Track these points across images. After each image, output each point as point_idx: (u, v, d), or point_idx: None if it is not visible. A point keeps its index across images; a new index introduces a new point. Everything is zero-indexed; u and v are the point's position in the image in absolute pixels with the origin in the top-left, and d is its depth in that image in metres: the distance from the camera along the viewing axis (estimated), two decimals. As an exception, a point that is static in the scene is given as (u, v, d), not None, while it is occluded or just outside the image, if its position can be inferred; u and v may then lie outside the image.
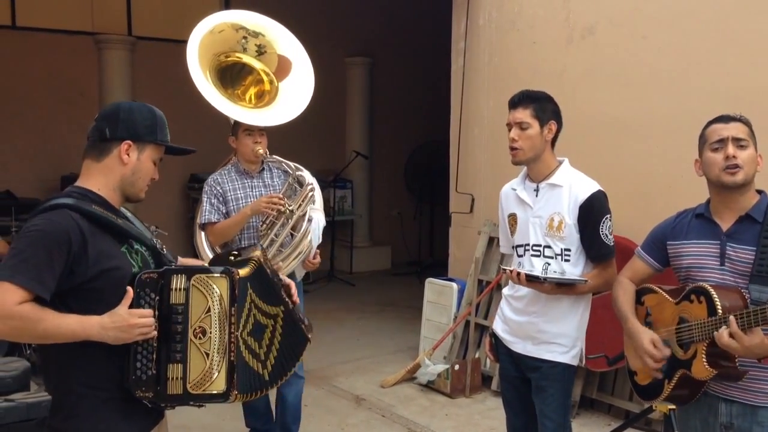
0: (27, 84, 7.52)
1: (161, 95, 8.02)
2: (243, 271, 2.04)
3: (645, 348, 2.35)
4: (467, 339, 5.34)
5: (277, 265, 3.53)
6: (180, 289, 1.95)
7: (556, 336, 2.85)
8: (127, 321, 1.90)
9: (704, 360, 2.18)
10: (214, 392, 1.95)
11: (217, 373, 1.94)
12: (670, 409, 3.21)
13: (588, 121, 4.67)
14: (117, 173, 2.05)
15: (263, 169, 3.78)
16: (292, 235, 3.61)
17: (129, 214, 2.20)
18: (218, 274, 1.98)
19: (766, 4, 3.95)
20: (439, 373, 5.03)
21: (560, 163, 2.90)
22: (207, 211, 3.66)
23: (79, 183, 2.07)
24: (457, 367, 4.96)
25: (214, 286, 1.96)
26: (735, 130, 2.27)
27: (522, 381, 2.97)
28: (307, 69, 3.78)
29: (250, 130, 3.67)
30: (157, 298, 1.96)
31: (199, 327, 1.95)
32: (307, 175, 3.72)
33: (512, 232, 2.97)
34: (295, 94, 3.72)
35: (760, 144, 2.35)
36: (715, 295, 2.16)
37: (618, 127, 4.64)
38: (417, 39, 9.03)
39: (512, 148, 2.84)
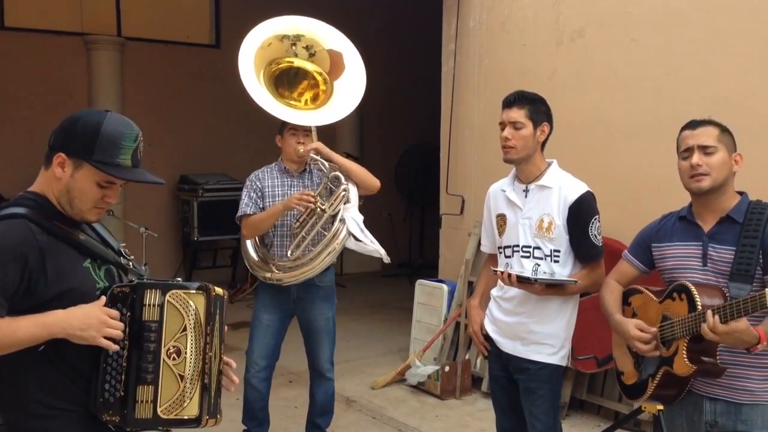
0: (15, 84, 7.48)
1: (150, 96, 8.05)
2: (218, 289, 1.92)
3: (632, 334, 2.37)
4: (457, 340, 5.34)
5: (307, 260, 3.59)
6: (154, 305, 1.82)
7: (545, 337, 2.86)
8: (99, 317, 1.78)
9: (685, 356, 2.21)
10: (186, 417, 1.81)
11: (189, 399, 1.81)
12: (659, 410, 3.22)
13: (577, 123, 4.68)
14: (55, 187, 1.87)
15: (305, 170, 3.81)
16: (324, 234, 3.65)
17: (97, 225, 2.04)
18: (194, 290, 1.86)
19: (753, 7, 3.98)
20: (429, 374, 5.03)
21: (549, 164, 2.91)
22: (244, 204, 3.72)
23: (31, 188, 1.92)
24: (447, 368, 4.97)
25: (191, 303, 1.84)
26: (702, 136, 2.28)
27: (511, 381, 2.98)
28: (357, 60, 3.81)
29: (295, 129, 3.72)
30: (129, 314, 1.83)
31: (174, 347, 1.81)
32: (343, 176, 3.75)
33: (500, 233, 2.98)
34: (348, 91, 3.78)
35: (746, 146, 2.37)
36: (695, 292, 2.20)
37: (607, 129, 4.66)
38: (408, 41, 9.05)
39: (505, 147, 2.84)
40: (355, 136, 9.38)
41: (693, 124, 2.34)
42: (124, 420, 1.82)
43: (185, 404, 1.81)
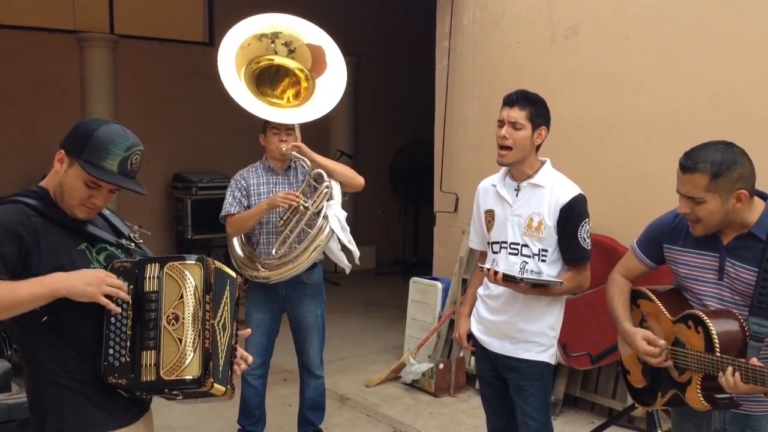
0: (8, 82, 7.43)
1: (143, 94, 8.02)
2: (226, 268, 2.07)
3: (642, 349, 2.28)
4: (452, 338, 5.35)
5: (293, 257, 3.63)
6: (153, 278, 1.96)
7: (534, 335, 2.84)
8: (98, 275, 1.91)
9: (699, 392, 2.12)
10: (188, 377, 1.91)
11: (189, 358, 1.91)
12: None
13: (571, 121, 4.69)
14: (55, 180, 2.03)
15: (289, 167, 3.84)
16: (309, 231, 3.67)
17: (107, 212, 2.19)
18: (192, 262, 1.99)
19: (747, 4, 3.99)
20: (423, 372, 5.03)
21: (542, 163, 2.88)
22: (228, 204, 3.76)
23: (41, 182, 2.08)
24: (441, 366, 4.97)
25: (187, 273, 1.96)
26: (689, 185, 2.12)
27: (499, 380, 2.97)
28: (338, 55, 3.87)
29: (277, 128, 3.75)
30: (132, 287, 1.96)
31: (172, 313, 1.93)
32: (326, 174, 3.76)
33: (488, 229, 2.95)
34: (330, 87, 3.80)
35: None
36: (713, 330, 2.06)
37: (601, 127, 4.66)
38: (402, 38, 9.03)
39: (501, 147, 2.79)
40: (349, 134, 9.36)
41: (683, 168, 2.14)
42: (132, 383, 1.93)
43: (185, 365, 1.91)
